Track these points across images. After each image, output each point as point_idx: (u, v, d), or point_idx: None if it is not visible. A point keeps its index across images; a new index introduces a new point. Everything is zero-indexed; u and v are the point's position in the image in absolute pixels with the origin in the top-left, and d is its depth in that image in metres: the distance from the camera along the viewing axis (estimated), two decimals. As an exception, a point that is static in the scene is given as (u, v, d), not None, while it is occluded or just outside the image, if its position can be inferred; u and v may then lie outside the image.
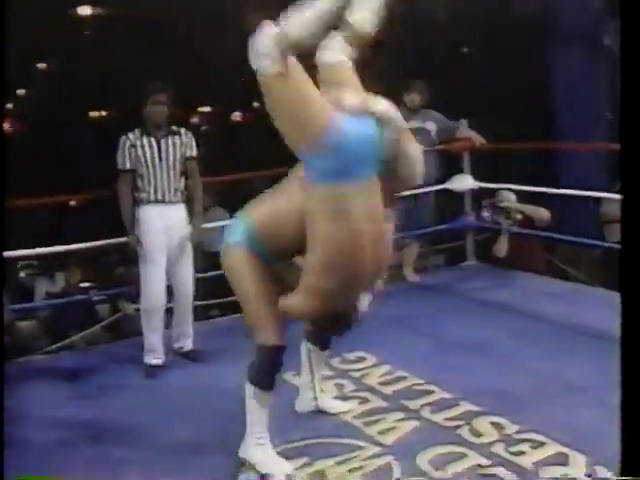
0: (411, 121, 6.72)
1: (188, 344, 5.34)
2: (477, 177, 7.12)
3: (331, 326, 3.60)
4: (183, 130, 5.29)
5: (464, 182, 7.10)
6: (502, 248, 6.96)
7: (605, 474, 3.35)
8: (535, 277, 6.83)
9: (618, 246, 6.25)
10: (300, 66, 3.21)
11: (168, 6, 10.10)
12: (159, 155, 5.15)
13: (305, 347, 4.10)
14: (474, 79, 11.59)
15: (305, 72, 3.24)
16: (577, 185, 6.71)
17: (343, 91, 3.44)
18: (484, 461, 3.55)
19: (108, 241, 5.89)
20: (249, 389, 3.58)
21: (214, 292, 6.35)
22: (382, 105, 3.38)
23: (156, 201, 5.15)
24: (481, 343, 5.09)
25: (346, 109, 3.31)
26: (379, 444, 3.80)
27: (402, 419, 4.06)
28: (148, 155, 5.13)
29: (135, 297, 5.70)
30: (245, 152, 13.34)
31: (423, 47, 11.20)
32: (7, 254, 5.11)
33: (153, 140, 5.15)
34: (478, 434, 3.83)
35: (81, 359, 5.62)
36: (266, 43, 3.14)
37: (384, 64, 11.73)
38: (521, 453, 3.61)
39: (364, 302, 3.54)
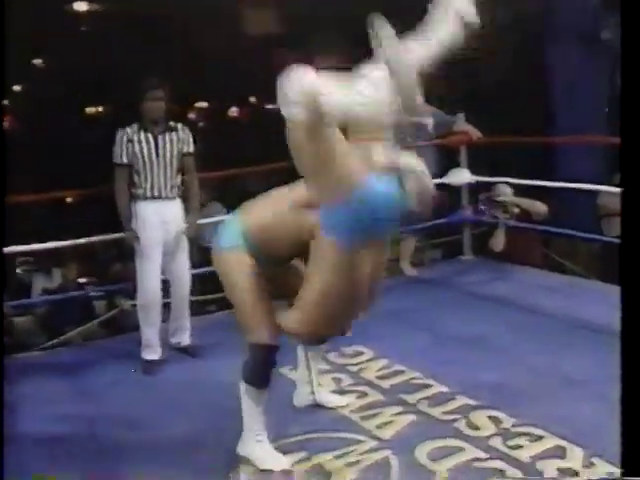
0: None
1: (185, 339, 5.34)
2: (474, 171, 7.12)
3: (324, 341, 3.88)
4: (180, 126, 5.28)
5: (461, 176, 7.10)
6: (499, 242, 6.96)
7: (603, 467, 3.36)
8: (532, 271, 6.83)
9: (616, 239, 6.26)
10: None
11: (164, 2, 10.09)
12: (156, 151, 5.13)
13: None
14: (471, 73, 11.58)
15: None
16: (574, 178, 6.70)
17: (372, 146, 3.44)
18: (482, 455, 3.55)
19: (105, 237, 5.89)
20: (243, 387, 3.60)
21: (211, 287, 6.34)
22: (410, 163, 3.36)
23: (152, 197, 5.14)
24: (478, 337, 5.08)
25: (375, 168, 3.31)
26: (377, 438, 3.80)
27: (400, 413, 4.06)
28: (145, 151, 5.12)
29: (132, 293, 5.69)
30: (242, 148, 13.31)
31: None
32: (4, 250, 5.10)
33: (150, 136, 5.14)
34: (476, 428, 3.83)
35: (78, 355, 5.61)
36: (297, 91, 3.13)
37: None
38: (519, 447, 3.61)
39: None
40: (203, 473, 3.61)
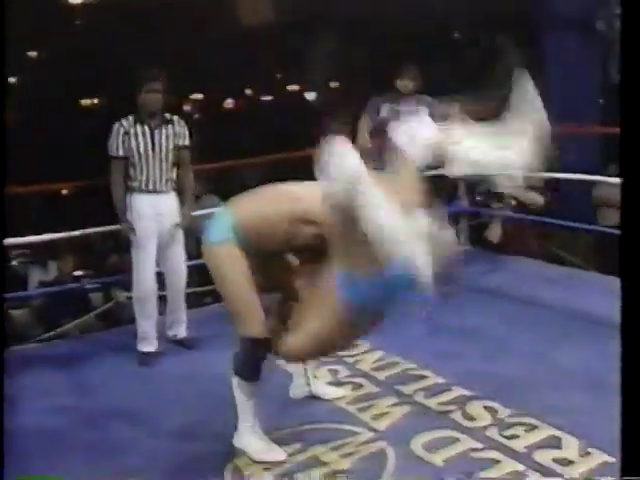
0: (404, 106, 6.73)
1: (181, 331, 5.34)
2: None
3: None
4: (176, 119, 5.26)
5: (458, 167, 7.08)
6: (496, 233, 6.97)
7: (599, 457, 3.37)
8: (529, 262, 6.83)
9: (612, 230, 6.27)
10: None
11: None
12: (152, 145, 5.12)
13: None
14: (467, 64, 11.59)
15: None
16: (569, 169, 6.70)
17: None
18: (478, 445, 3.56)
19: (101, 229, 5.89)
20: (235, 380, 3.60)
21: (207, 279, 6.33)
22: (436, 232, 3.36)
23: (147, 190, 5.13)
24: (475, 328, 5.09)
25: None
26: (373, 429, 3.81)
27: (395, 404, 4.07)
28: (142, 145, 5.10)
29: (128, 285, 5.69)
30: (237, 139, 13.30)
31: (416, 33, 11.19)
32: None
33: (147, 129, 5.12)
34: (471, 418, 3.84)
35: (74, 347, 5.61)
36: (356, 170, 3.11)
37: (377, 50, 11.75)
38: (514, 437, 3.62)
39: None
40: (199, 465, 3.62)
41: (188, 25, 11.22)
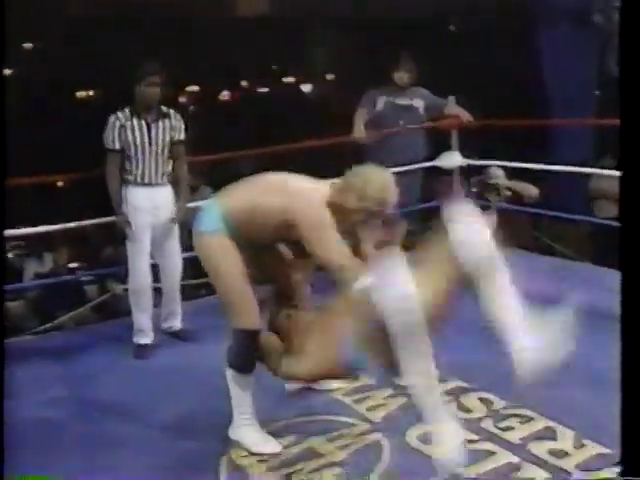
0: (399, 98, 6.74)
1: (177, 323, 5.34)
2: (465, 154, 7.11)
3: None
4: (173, 112, 5.24)
5: (452, 159, 7.10)
6: (491, 225, 6.95)
7: (594, 448, 3.37)
8: (523, 253, 6.83)
9: (606, 221, 6.26)
10: None
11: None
12: (149, 139, 5.10)
13: None
14: (462, 56, 11.58)
15: None
16: (564, 161, 6.71)
17: None
18: (473, 436, 3.56)
19: (96, 220, 5.88)
20: (229, 372, 3.61)
21: (202, 271, 6.33)
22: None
23: (143, 183, 5.12)
24: (469, 319, 5.08)
25: None
26: (368, 421, 3.82)
27: (391, 396, 4.08)
28: (138, 138, 5.09)
29: (124, 277, 5.69)
30: (233, 131, 13.29)
31: (411, 25, 11.17)
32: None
33: (144, 123, 5.10)
34: (467, 410, 3.85)
35: (70, 339, 5.61)
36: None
37: (373, 44, 11.74)
38: (510, 428, 3.63)
39: None
40: (195, 457, 3.62)
41: (184, 17, 11.20)
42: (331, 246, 3.42)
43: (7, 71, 14.24)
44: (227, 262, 3.50)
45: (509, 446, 3.48)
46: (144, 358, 5.03)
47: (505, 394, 3.93)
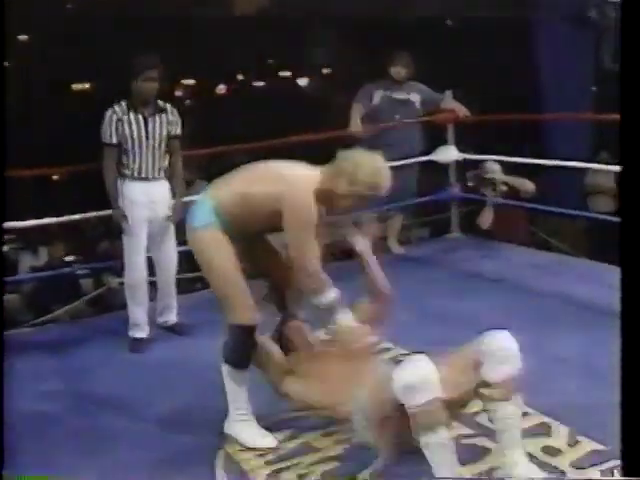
0: (396, 93, 6.73)
1: (172, 318, 5.33)
2: (461, 148, 7.11)
3: None
4: (169, 107, 5.22)
5: (448, 154, 7.10)
6: (487, 220, 6.97)
7: (588, 445, 3.37)
8: (519, 249, 6.84)
9: (602, 217, 6.24)
10: None
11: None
12: (146, 133, 5.09)
13: None
14: (459, 51, 11.57)
15: None
16: (560, 157, 6.71)
17: None
18: (468, 431, 3.56)
19: (92, 214, 5.87)
20: (225, 368, 3.60)
21: (197, 264, 6.32)
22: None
23: (140, 178, 5.11)
24: (466, 315, 5.09)
25: None
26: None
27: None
28: (135, 133, 5.07)
29: (119, 271, 5.69)
30: (229, 125, 13.27)
31: (407, 20, 11.16)
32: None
33: (141, 117, 5.09)
34: (462, 405, 3.83)
35: (65, 333, 5.61)
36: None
37: (370, 38, 11.72)
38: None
39: None
40: (190, 451, 3.62)
41: (181, 10, 11.16)
42: (306, 248, 3.44)
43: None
44: (221, 257, 3.49)
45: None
46: (140, 352, 5.03)
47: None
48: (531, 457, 3.33)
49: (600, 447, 3.32)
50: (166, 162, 5.21)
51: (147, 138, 5.09)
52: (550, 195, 7.39)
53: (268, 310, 3.76)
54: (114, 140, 5.07)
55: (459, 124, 7.06)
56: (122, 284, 5.51)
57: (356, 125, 6.61)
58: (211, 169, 8.15)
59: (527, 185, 6.93)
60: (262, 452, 3.54)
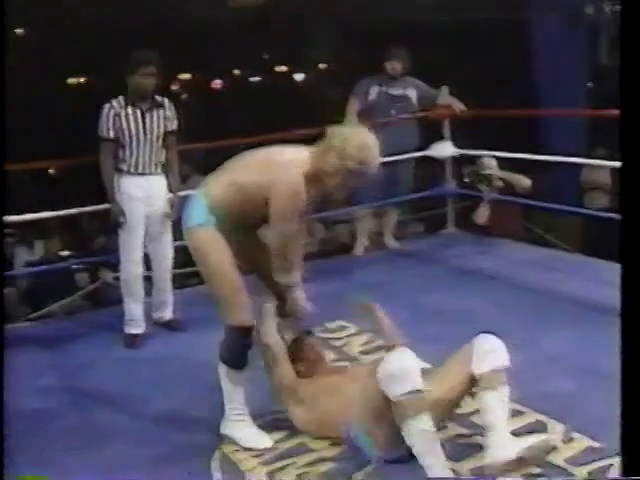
0: (392, 88, 6.72)
1: (168, 313, 5.33)
2: (457, 144, 7.11)
3: None
4: (167, 102, 5.21)
5: (444, 149, 7.09)
6: (482, 215, 6.97)
7: (583, 442, 3.37)
8: (515, 244, 6.85)
9: (598, 213, 6.23)
10: None
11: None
12: (144, 128, 5.08)
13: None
14: (455, 47, 11.56)
15: None
16: (555, 152, 6.71)
17: None
18: (464, 431, 3.55)
19: (88, 209, 5.86)
20: (222, 368, 3.59)
21: (193, 260, 6.31)
22: None
23: (137, 173, 5.10)
24: (461, 311, 5.09)
25: None
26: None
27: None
28: (133, 128, 5.06)
29: (115, 266, 5.68)
30: (225, 120, 13.25)
31: (404, 15, 11.14)
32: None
33: (138, 112, 5.07)
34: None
35: (61, 328, 5.61)
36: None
37: (366, 32, 11.70)
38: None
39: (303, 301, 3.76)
40: (185, 450, 3.61)
41: (177, 6, 11.13)
42: (285, 233, 3.46)
43: (-2, 57, 14.20)
44: (218, 257, 3.48)
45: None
46: (135, 348, 5.02)
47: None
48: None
49: (595, 444, 3.32)
50: (163, 157, 5.19)
51: (145, 133, 5.08)
52: (546, 191, 7.40)
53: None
54: (111, 135, 5.06)
55: (455, 120, 7.06)
56: (117, 279, 5.51)
57: (352, 120, 6.60)
58: (207, 163, 8.15)
59: (523, 181, 6.94)
60: (258, 452, 3.53)
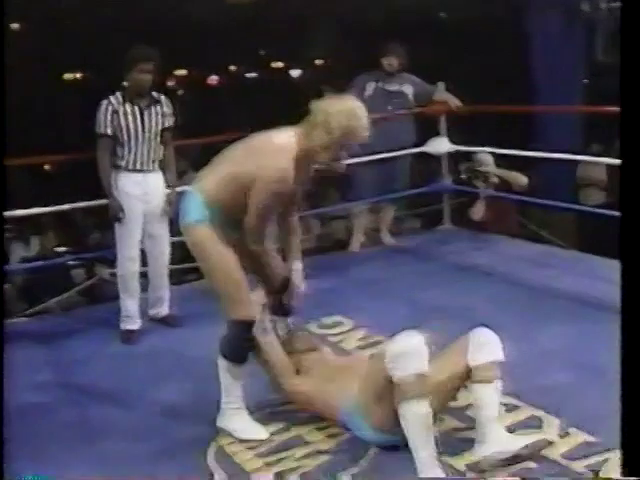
0: (388, 84, 6.72)
1: (164, 309, 5.32)
2: (454, 140, 7.11)
3: None
4: (164, 99, 5.21)
5: (440, 145, 7.10)
6: (478, 211, 6.98)
7: (579, 437, 3.38)
8: (510, 240, 6.85)
9: (594, 209, 6.24)
10: None
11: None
12: (142, 126, 5.07)
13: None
14: (452, 43, 11.57)
15: None
16: (551, 149, 6.71)
17: None
18: (459, 424, 3.56)
19: (84, 204, 5.86)
20: (222, 362, 3.60)
21: (190, 256, 6.31)
22: None
23: (135, 170, 5.10)
24: (457, 307, 5.10)
25: None
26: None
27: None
28: (131, 125, 5.05)
29: (111, 262, 5.68)
30: (221, 115, 13.24)
31: (402, 11, 11.15)
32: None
33: (137, 109, 5.07)
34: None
35: (57, 323, 5.61)
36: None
37: (363, 29, 11.70)
38: (496, 416, 3.62)
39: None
40: (182, 443, 3.62)
41: (173, 1, 11.12)
42: (263, 216, 3.46)
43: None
44: (219, 252, 3.48)
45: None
46: (131, 344, 5.02)
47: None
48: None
49: (591, 438, 3.33)
50: (160, 154, 5.19)
51: (143, 130, 5.07)
52: (541, 187, 7.41)
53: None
54: (109, 131, 5.05)
55: (451, 116, 7.06)
56: (113, 275, 5.50)
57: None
58: (203, 159, 8.15)
59: (520, 179, 6.95)
60: (253, 444, 3.54)
